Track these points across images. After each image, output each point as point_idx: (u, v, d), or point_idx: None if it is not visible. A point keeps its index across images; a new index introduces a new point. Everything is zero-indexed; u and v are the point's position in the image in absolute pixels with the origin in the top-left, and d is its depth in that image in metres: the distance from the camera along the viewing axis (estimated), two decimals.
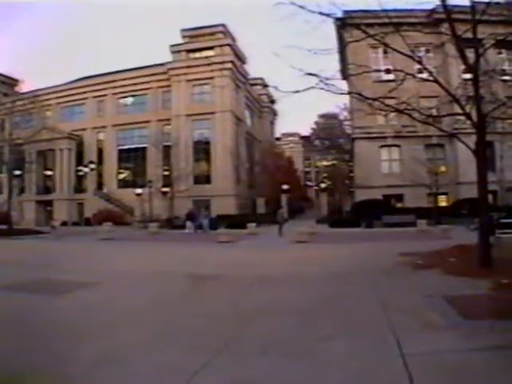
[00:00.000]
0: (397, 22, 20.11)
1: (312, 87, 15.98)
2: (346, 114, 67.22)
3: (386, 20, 17.27)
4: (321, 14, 15.01)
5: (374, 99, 18.12)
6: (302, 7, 14.72)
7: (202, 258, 22.62)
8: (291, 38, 16.02)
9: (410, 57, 16.84)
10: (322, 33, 15.94)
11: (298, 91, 16.33)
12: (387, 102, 18.52)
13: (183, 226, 48.25)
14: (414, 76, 17.41)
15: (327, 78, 15.90)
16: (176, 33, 73.85)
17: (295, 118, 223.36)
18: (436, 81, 16.80)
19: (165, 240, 36.06)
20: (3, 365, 5.95)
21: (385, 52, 18.42)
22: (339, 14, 17.16)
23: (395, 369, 5.61)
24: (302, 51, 15.30)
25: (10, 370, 5.79)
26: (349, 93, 18.55)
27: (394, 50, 17.44)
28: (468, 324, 7.88)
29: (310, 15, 14.92)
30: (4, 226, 48.02)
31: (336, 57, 43.63)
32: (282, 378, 5.55)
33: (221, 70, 68.34)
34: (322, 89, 16.11)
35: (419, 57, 17.63)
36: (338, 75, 16.70)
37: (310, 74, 15.61)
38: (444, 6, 15.59)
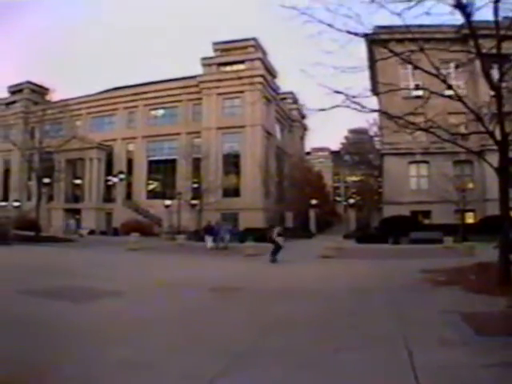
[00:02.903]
0: (426, 37, 20.09)
1: (338, 105, 16.09)
2: (375, 129, 66.53)
3: (416, 36, 17.48)
4: (348, 32, 15.14)
5: (399, 117, 18.26)
6: (330, 26, 14.82)
7: (227, 270, 22.75)
8: (320, 56, 15.48)
9: (436, 75, 16.84)
10: (351, 50, 15.76)
11: (323, 109, 16.52)
12: (416, 118, 18.70)
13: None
14: (439, 94, 17.43)
15: (353, 96, 15.97)
16: (207, 46, 74.32)
17: (325, 133, 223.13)
18: (460, 99, 16.84)
19: (191, 252, 36.12)
20: (30, 367, 6.21)
21: (414, 68, 18.06)
22: (366, 32, 16.80)
23: (405, 382, 5.67)
24: (330, 69, 15.27)
25: (37, 371, 6.05)
26: (374, 110, 18.49)
27: (417, 67, 17.92)
28: (481, 340, 7.90)
29: (338, 34, 15.00)
30: (31, 233, 48.25)
31: (365, 73, 43.78)
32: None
33: (251, 83, 68.16)
34: (347, 107, 16.20)
35: (444, 75, 17.52)
36: (366, 93, 16.28)
37: (337, 92, 15.76)
38: (469, 22, 15.61)
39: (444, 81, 16.89)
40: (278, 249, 26.96)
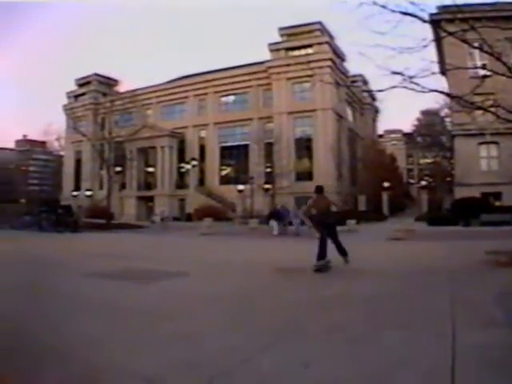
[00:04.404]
0: (490, 16, 21.51)
1: (395, 86, 16.49)
2: (446, 110, 66.22)
3: (475, 15, 19.08)
4: (401, 13, 15.41)
5: (459, 97, 19.40)
6: (383, 7, 15.19)
7: (294, 252, 22.94)
8: (378, 38, 15.64)
9: (490, 53, 17.35)
10: (409, 31, 15.58)
11: (381, 90, 17.48)
12: (480, 97, 20.00)
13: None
14: (497, 73, 17.77)
15: (411, 77, 16.14)
16: (264, 31, 78.14)
17: (399, 115, 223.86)
18: None
19: (262, 236, 36.70)
20: (98, 336, 7.17)
21: (480, 49, 17.69)
22: (426, 12, 16.69)
23: (441, 359, 5.89)
24: (388, 50, 15.58)
25: (103, 339, 7.01)
26: (433, 90, 17.99)
27: (471, 46, 18.82)
28: None
29: (394, 15, 15.37)
30: (103, 221, 53.30)
31: (425, 53, 45.16)
32: (331, 358, 6.14)
33: (320, 67, 70.69)
34: (405, 87, 16.52)
35: (499, 53, 17.51)
36: (424, 72, 16.25)
37: (395, 73, 16.07)
38: None
39: (498, 58, 17.00)
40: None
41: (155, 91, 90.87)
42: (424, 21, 16.24)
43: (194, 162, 75.67)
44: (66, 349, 6.44)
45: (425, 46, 15.45)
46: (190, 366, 5.72)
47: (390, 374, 5.44)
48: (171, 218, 65.97)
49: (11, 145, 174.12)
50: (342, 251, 15.75)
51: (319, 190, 16.17)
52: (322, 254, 14.71)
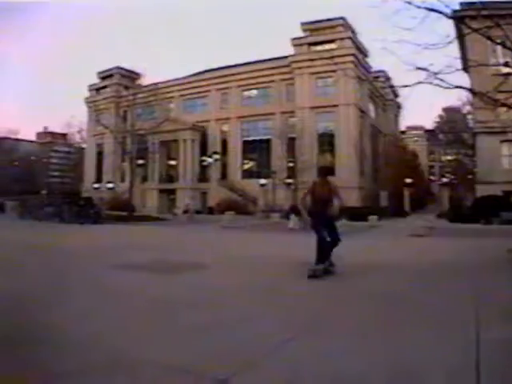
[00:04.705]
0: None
1: (420, 82, 16.25)
2: (468, 107, 68.91)
3: (502, 12, 18.53)
4: (427, 9, 15.15)
5: (482, 94, 19.58)
6: (408, 3, 14.94)
7: (314, 247, 20.60)
8: (402, 34, 15.36)
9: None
10: (433, 27, 15.26)
11: (406, 86, 16.97)
12: (505, 95, 19.48)
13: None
14: None
15: (435, 73, 15.93)
16: (290, 26, 79.00)
17: (421, 111, 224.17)
18: None
19: (283, 230, 36.34)
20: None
21: (502, 45, 17.29)
22: (450, 8, 16.58)
23: (466, 354, 5.87)
24: (412, 46, 15.27)
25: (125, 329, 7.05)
26: (457, 87, 17.65)
27: (495, 42, 18.78)
28: None
29: (420, 11, 15.10)
30: (124, 213, 53.87)
31: (450, 49, 44.92)
32: (347, 354, 5.99)
33: (343, 62, 70.44)
34: (430, 83, 16.30)
35: None
36: (449, 69, 15.96)
37: (420, 69, 15.83)
38: None
39: None
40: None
41: (178, 85, 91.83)
42: (448, 17, 16.43)
43: (216, 156, 75.43)
44: (88, 338, 6.51)
45: (449, 43, 15.26)
46: (215, 356, 5.76)
47: (416, 366, 5.51)
48: (194, 210, 65.26)
49: (32, 137, 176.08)
50: (334, 243, 12.71)
51: (323, 172, 13.78)
52: (321, 256, 12.45)
